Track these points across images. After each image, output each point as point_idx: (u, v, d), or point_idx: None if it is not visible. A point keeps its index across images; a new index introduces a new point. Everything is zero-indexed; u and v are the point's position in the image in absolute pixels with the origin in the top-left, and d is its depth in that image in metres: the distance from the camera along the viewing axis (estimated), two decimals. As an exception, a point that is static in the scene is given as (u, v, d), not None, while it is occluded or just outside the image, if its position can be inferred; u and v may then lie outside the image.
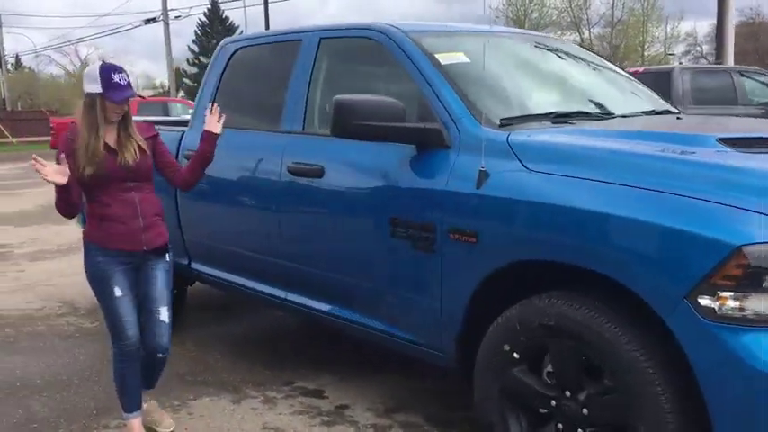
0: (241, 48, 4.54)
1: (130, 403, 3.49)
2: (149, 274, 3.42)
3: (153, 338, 3.41)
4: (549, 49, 4.24)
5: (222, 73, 4.56)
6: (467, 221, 2.97)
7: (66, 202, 3.23)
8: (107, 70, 3.20)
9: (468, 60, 3.53)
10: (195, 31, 58.48)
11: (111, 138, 3.31)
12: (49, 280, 7.03)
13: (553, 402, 2.81)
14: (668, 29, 46.66)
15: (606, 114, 3.63)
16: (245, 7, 57.30)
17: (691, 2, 75.97)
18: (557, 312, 2.68)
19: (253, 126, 4.30)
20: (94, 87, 3.19)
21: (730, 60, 16.43)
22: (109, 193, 3.31)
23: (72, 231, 9.46)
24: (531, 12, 47.42)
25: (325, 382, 4.30)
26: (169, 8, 35.47)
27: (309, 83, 3.93)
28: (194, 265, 4.78)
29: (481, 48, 3.65)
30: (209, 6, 60.51)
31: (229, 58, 4.56)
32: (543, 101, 3.59)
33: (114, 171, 3.28)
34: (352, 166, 3.55)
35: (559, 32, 45.82)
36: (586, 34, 47.19)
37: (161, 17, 35.27)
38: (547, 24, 46.52)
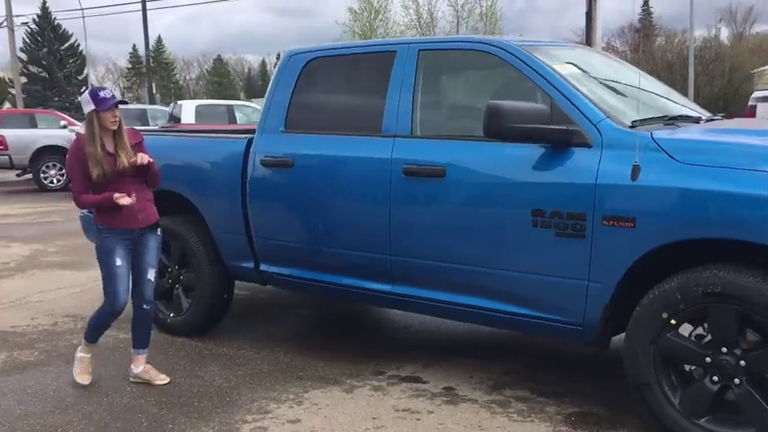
0: (314, 59, 4.78)
1: (97, 337, 4.55)
2: (145, 245, 4.40)
3: (142, 293, 4.41)
4: (613, 60, 4.83)
5: (296, 83, 4.77)
6: (623, 209, 3.45)
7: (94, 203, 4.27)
8: (93, 91, 4.17)
9: (578, 71, 4.03)
10: (24, 39, 55.32)
11: (110, 145, 4.21)
12: (30, 297, 6.75)
13: (708, 359, 3.34)
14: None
15: (698, 118, 4.25)
16: (83, 17, 54.58)
17: (531, 21, 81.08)
18: (723, 280, 3.22)
19: (343, 131, 4.55)
20: (89, 107, 4.12)
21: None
22: (113, 188, 4.17)
23: (11, 249, 9.07)
24: (377, 27, 48.95)
25: (414, 369, 4.61)
26: None
27: (414, 90, 4.25)
28: (264, 267, 4.93)
29: (576, 59, 4.16)
30: (39, 13, 57.53)
31: (302, 69, 4.78)
32: (643, 105, 4.14)
33: (114, 170, 4.18)
34: (480, 165, 3.93)
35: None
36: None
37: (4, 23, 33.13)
38: (393, 40, 48.10)
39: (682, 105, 4.56)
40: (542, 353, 4.94)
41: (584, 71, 4.12)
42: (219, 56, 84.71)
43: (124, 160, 4.18)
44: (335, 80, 4.78)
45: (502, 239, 3.86)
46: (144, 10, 31.13)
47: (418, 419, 3.89)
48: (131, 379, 4.52)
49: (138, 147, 4.34)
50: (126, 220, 4.26)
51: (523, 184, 3.78)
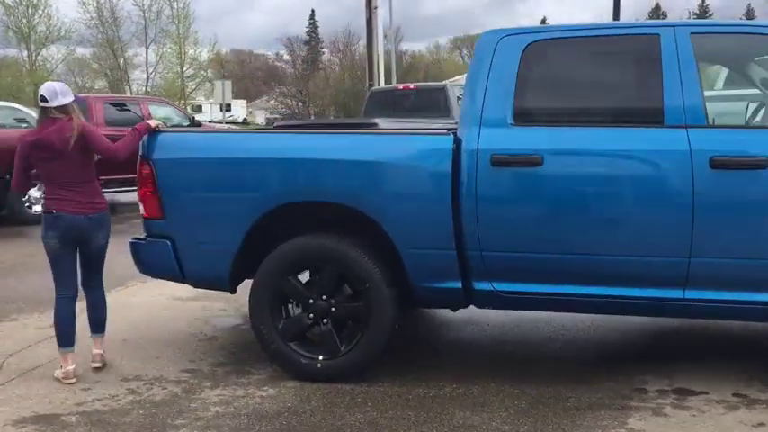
0: (536, 41, 4.18)
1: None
2: None
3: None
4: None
5: (518, 69, 4.14)
6: None
7: None
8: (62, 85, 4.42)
9: None
10: None
11: None
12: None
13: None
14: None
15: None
16: None
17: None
18: None
19: (601, 123, 4.07)
20: (70, 97, 4.37)
21: (382, 81, 18.51)
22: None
23: None
24: (36, 24, 44.38)
25: (671, 382, 4.29)
26: None
27: (697, 77, 3.94)
28: (483, 286, 4.18)
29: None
30: None
31: (522, 53, 4.16)
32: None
33: None
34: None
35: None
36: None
37: None
38: (56, 39, 44.18)
39: None
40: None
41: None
42: None
43: None
44: (572, 66, 4.22)
45: None
46: None
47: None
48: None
49: None
50: None
51: None
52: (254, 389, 4.31)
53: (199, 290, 6.14)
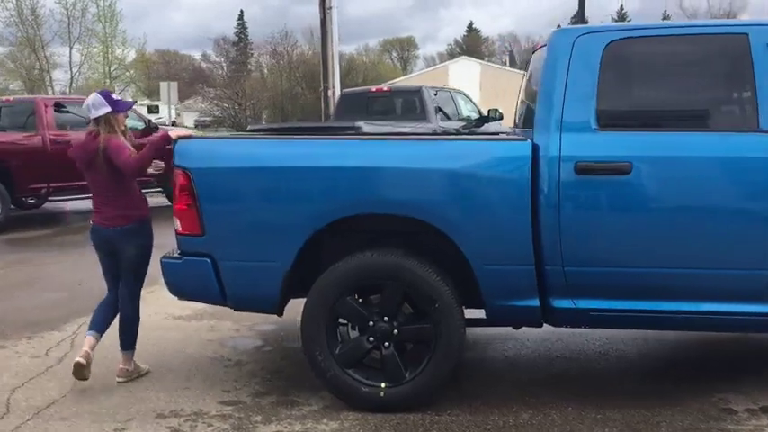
0: (617, 40, 3.90)
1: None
2: None
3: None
4: None
5: (600, 70, 3.85)
6: None
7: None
8: (106, 93, 4.34)
9: None
10: None
11: None
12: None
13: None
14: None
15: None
16: None
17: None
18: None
19: (688, 127, 3.83)
20: (105, 109, 4.24)
21: (338, 84, 18.05)
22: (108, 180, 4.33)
23: None
24: None
25: (750, 399, 4.08)
26: None
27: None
28: (564, 304, 3.88)
29: None
30: None
31: (603, 53, 3.87)
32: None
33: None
34: None
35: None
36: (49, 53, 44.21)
37: None
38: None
39: None
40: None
41: None
42: None
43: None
44: (656, 66, 3.95)
45: None
46: None
47: None
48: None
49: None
50: None
51: None
52: (312, 423, 3.89)
53: (197, 307, 5.80)
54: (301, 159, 3.95)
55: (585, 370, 4.72)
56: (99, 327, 4.42)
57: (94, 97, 4.31)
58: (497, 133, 5.48)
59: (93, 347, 4.34)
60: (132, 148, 4.27)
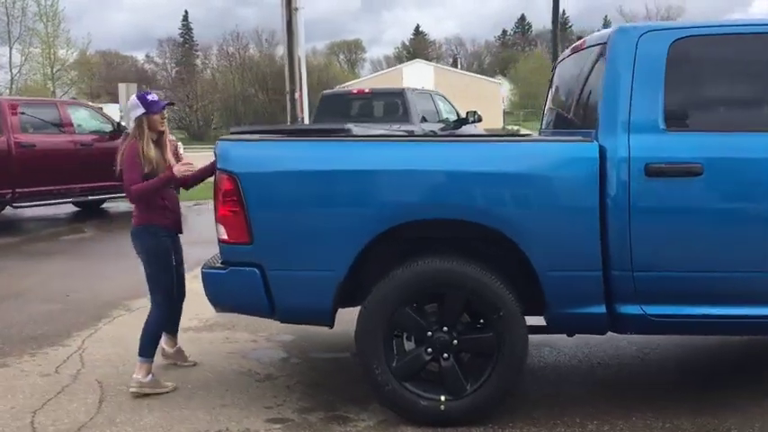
0: (682, 38, 3.80)
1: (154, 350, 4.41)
2: (179, 245, 4.51)
3: (182, 291, 4.55)
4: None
5: (666, 69, 3.75)
6: None
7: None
8: (142, 95, 4.31)
9: None
10: None
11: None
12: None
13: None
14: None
15: None
16: None
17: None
18: None
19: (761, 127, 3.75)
20: (139, 110, 4.23)
21: (305, 86, 17.77)
22: (165, 190, 4.32)
23: None
24: None
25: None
26: None
27: None
28: (631, 310, 3.76)
29: None
30: None
31: (668, 52, 3.77)
32: None
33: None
34: None
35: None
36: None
37: None
38: None
39: None
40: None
41: None
42: None
43: (171, 159, 4.35)
44: (725, 65, 3.86)
45: None
46: None
47: None
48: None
49: (176, 152, 4.39)
50: (177, 223, 4.44)
51: None
52: (372, 440, 3.68)
53: (205, 318, 5.55)
54: (366, 162, 3.74)
55: (629, 376, 4.62)
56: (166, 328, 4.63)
57: (132, 99, 4.31)
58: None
59: (170, 345, 4.76)
60: (171, 157, 4.36)
